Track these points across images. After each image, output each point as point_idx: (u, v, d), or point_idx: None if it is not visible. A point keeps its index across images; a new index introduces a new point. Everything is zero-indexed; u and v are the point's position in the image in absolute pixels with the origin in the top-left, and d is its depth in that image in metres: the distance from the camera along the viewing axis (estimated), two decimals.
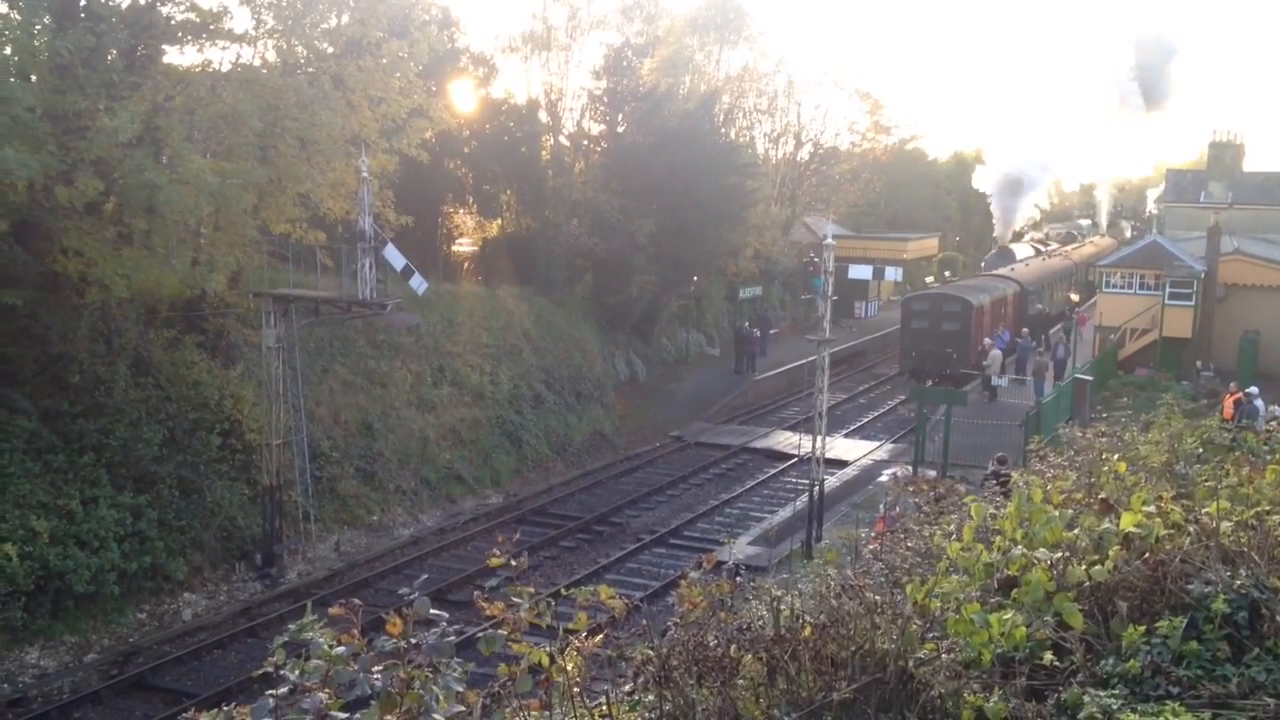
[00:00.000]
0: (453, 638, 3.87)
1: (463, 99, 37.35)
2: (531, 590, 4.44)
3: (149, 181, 18.93)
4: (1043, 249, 65.43)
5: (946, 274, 64.83)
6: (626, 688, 4.75)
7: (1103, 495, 6.23)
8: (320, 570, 23.67)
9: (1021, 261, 57.24)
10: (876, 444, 35.71)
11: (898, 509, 16.25)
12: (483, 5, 70.33)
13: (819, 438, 25.09)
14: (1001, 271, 52.70)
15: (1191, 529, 5.36)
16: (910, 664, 4.36)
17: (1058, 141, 68.29)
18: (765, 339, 46.51)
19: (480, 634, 4.16)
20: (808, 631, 4.57)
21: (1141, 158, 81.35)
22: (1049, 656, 4.56)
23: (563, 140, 42.03)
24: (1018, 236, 69.42)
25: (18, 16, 19.05)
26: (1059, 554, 5.16)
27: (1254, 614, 4.66)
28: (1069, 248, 68.02)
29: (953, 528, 7.00)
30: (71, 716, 17.31)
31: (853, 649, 4.42)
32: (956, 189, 78.38)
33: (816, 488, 25.05)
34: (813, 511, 24.87)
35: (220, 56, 22.99)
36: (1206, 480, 7.20)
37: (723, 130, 48.41)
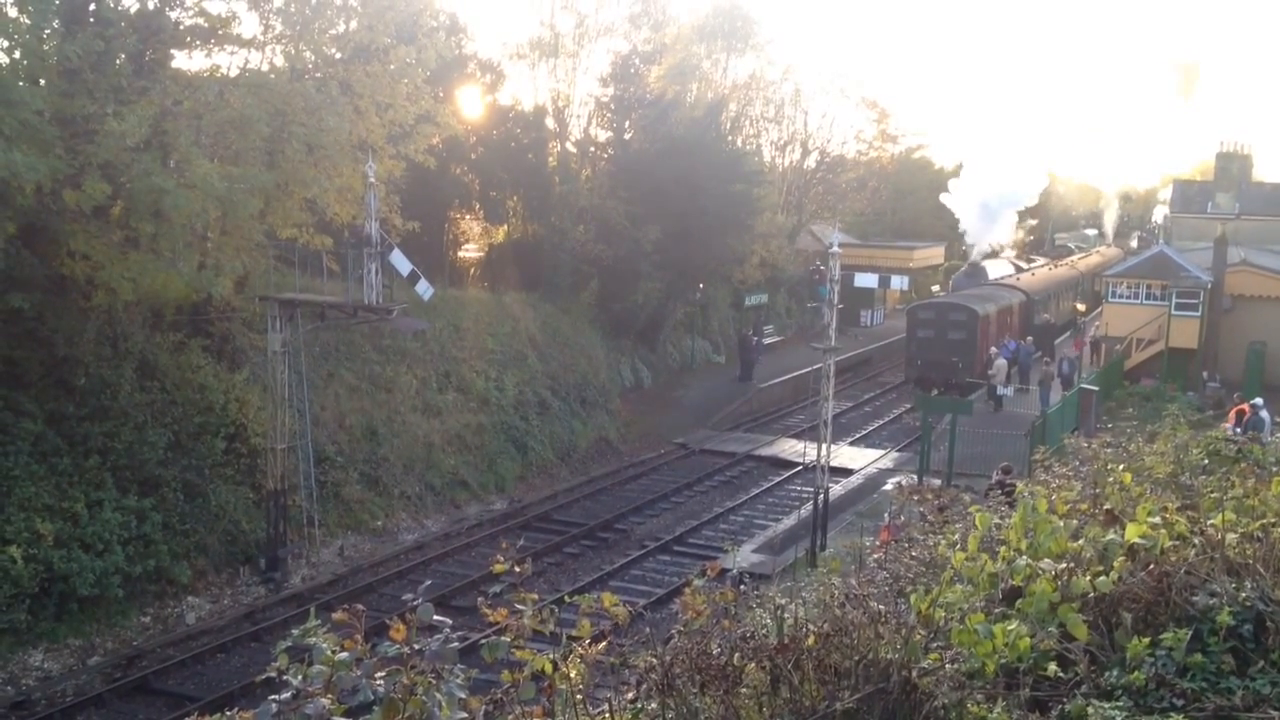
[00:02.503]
0: (456, 644, 3.87)
1: (470, 105, 37.50)
2: (535, 597, 4.44)
3: (156, 185, 18.99)
4: (1025, 265, 59.97)
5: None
6: (629, 695, 4.74)
7: (1108, 506, 6.21)
8: (324, 575, 23.68)
9: (1028, 272, 57.06)
10: (881, 452, 35.69)
11: (902, 518, 16.22)
12: (491, 12, 70.44)
13: (824, 446, 25.07)
14: (1008, 281, 52.61)
15: (1197, 540, 5.34)
16: (914, 674, 4.35)
17: (1061, 148, 66.59)
18: (759, 348, 46.51)
19: (483, 640, 4.15)
20: (811, 640, 4.56)
21: (1148, 167, 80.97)
22: (1053, 667, 4.54)
23: (569, 147, 42.09)
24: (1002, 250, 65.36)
25: (27, 20, 19.13)
26: (1064, 565, 5.14)
27: (1259, 626, 4.64)
28: (1064, 261, 63.63)
29: (957, 537, 6.98)
30: (74, 719, 17.32)
31: (856, 658, 4.41)
32: None
33: (821, 496, 25.02)
34: (817, 520, 24.85)
35: (228, 61, 23.15)
36: (1212, 492, 7.18)
37: (729, 138, 48.52)
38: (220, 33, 21.78)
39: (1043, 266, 59.04)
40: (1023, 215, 77.09)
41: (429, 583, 5.63)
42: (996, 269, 56.01)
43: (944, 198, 59.77)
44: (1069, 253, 71.49)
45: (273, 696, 3.60)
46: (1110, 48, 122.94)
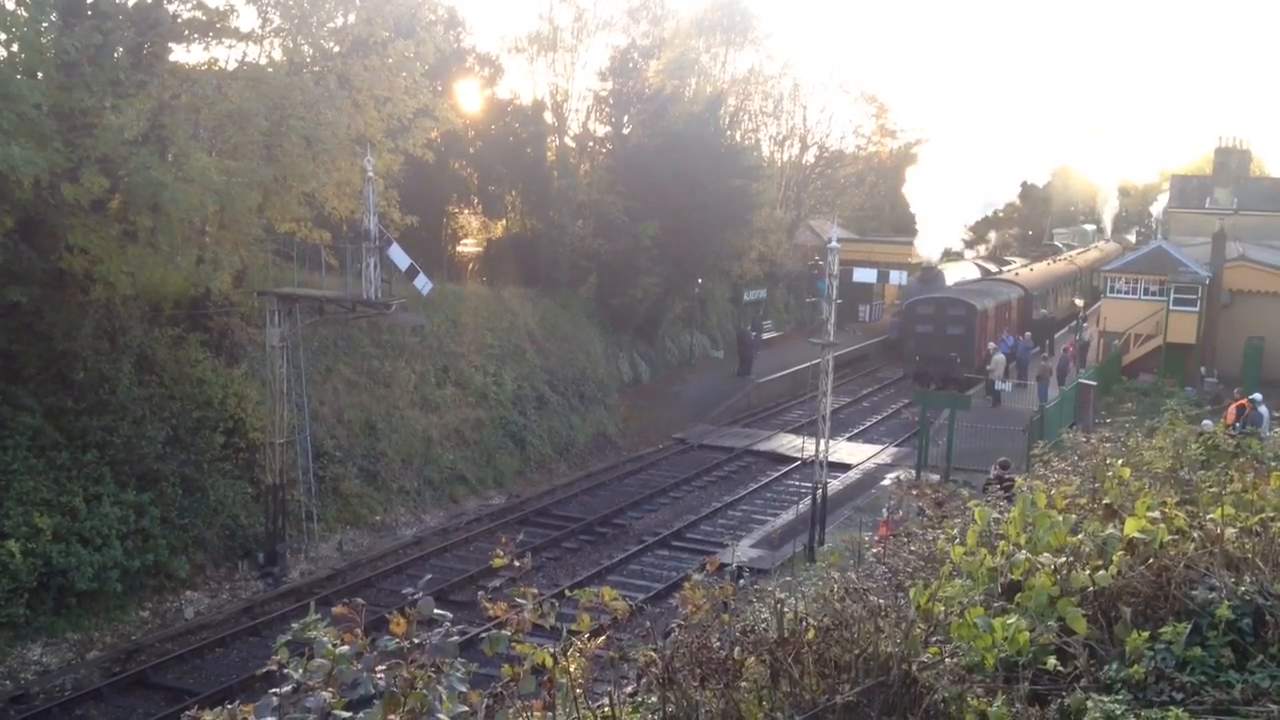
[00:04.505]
0: (456, 638, 3.87)
1: (468, 99, 37.41)
2: (535, 591, 4.44)
3: (154, 179, 18.96)
4: (995, 269, 55.97)
5: None
6: (629, 689, 4.75)
7: (1107, 500, 6.22)
8: (323, 569, 23.68)
9: (1026, 268, 56.81)
10: (880, 448, 35.69)
11: (901, 513, 16.24)
12: (489, 6, 70.23)
13: (822, 441, 25.08)
14: (1006, 276, 52.56)
15: (1196, 535, 5.35)
16: (913, 668, 4.36)
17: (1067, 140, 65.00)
18: (757, 343, 46.56)
19: (484, 634, 4.15)
20: (811, 634, 4.57)
21: (1147, 162, 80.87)
22: (1052, 661, 4.55)
23: (568, 141, 42.05)
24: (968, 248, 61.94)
25: (24, 13, 19.08)
26: (1063, 559, 5.16)
27: (1258, 620, 4.65)
28: (1049, 261, 60.08)
29: (956, 532, 6.99)
30: (73, 714, 17.32)
31: (856, 652, 4.42)
32: None
33: (819, 491, 25.03)
34: (815, 515, 24.85)
35: (226, 55, 23.06)
36: (1211, 486, 7.20)
37: (728, 133, 48.44)
38: (218, 26, 21.70)
39: (1021, 269, 56.45)
40: (1034, 202, 75.99)
41: (429, 577, 5.63)
42: (959, 272, 52.91)
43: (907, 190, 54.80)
44: (1055, 251, 69.18)
45: (273, 690, 3.60)
46: (1109, 44, 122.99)
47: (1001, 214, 67.80)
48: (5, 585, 18.23)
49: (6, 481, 19.10)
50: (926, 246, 51.93)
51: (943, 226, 52.00)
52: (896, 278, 56.33)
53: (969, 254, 63.04)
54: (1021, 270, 54.97)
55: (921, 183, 52.98)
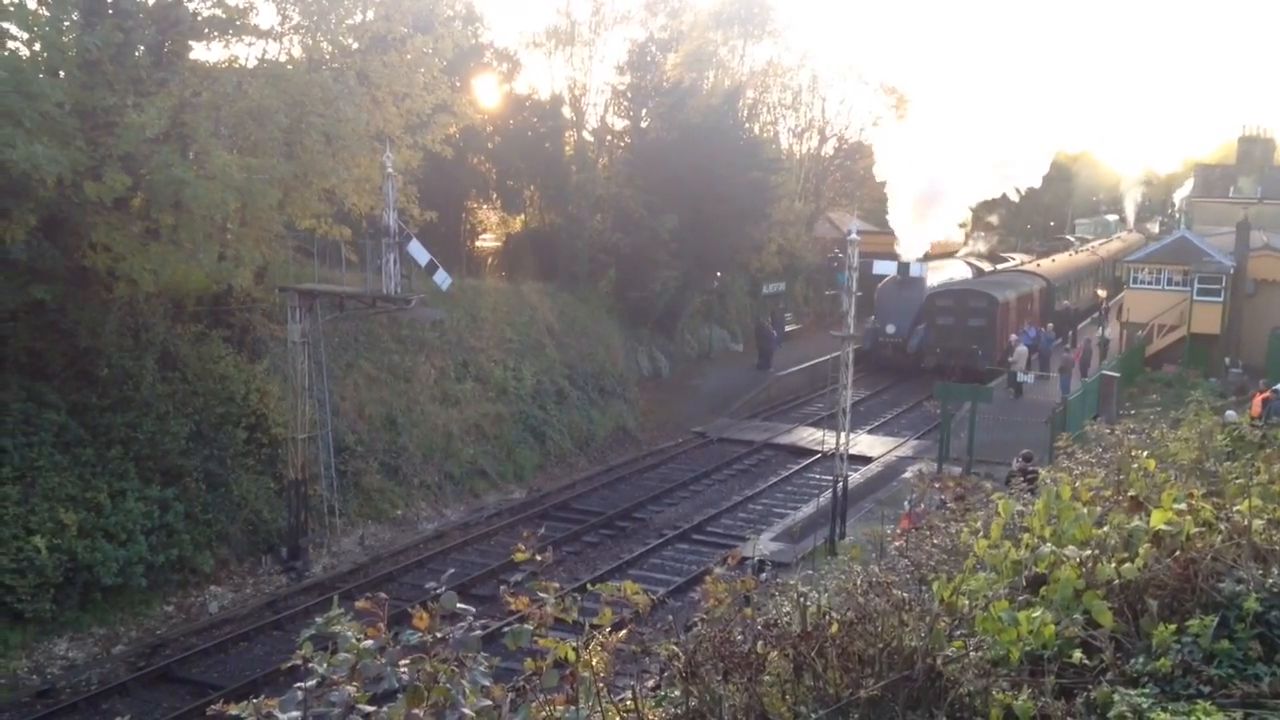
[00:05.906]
0: (478, 632, 3.88)
1: (486, 94, 37.44)
2: (556, 585, 4.44)
3: (176, 177, 19.05)
4: (988, 268, 52.90)
5: None
6: (651, 683, 4.75)
7: (1132, 493, 6.18)
8: (345, 564, 23.79)
9: (1048, 259, 56.29)
10: (900, 440, 35.57)
11: (923, 506, 16.20)
12: (507, 1, 70.27)
13: (842, 434, 25.01)
14: (1028, 267, 52.23)
15: (1223, 527, 5.30)
16: (938, 661, 4.33)
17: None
18: (778, 336, 46.41)
19: (506, 628, 4.15)
20: (834, 628, 4.56)
21: (1169, 152, 80.00)
22: (1078, 655, 4.52)
23: (586, 136, 42.06)
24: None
25: (46, 13, 19.19)
26: (1088, 551, 5.12)
27: None
28: (1071, 253, 57.44)
29: (979, 525, 6.96)
30: (99, 708, 17.44)
31: (880, 646, 4.40)
32: None
33: (840, 484, 24.96)
34: (836, 508, 24.80)
35: (246, 52, 23.16)
36: (1237, 478, 7.14)
37: (746, 125, 48.35)
38: (238, 23, 21.79)
39: (1013, 268, 53.30)
40: (1053, 192, 74.66)
41: (452, 571, 5.65)
42: (946, 273, 49.83)
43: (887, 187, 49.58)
44: (1066, 246, 66.83)
45: (298, 684, 3.61)
46: (1133, 31, 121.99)
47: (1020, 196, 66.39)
48: (32, 580, 18.39)
49: (32, 478, 19.26)
50: (904, 245, 48.09)
51: (923, 224, 48.24)
52: (917, 269, 55.73)
53: (961, 251, 59.94)
54: (1043, 261, 54.60)
55: (897, 173, 48.36)
